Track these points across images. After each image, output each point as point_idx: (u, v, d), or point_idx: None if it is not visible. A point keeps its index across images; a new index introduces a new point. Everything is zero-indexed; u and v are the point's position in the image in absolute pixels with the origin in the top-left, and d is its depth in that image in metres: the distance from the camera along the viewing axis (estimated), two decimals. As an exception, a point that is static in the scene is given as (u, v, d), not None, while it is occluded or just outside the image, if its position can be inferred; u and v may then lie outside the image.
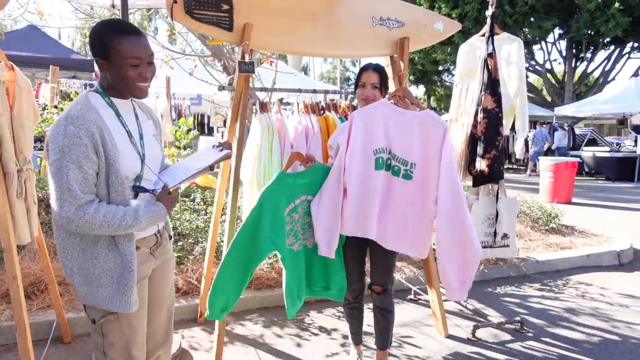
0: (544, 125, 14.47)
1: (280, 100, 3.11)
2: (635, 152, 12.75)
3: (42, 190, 4.54)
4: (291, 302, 2.33)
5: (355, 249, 2.46)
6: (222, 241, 3.63)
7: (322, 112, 3.00)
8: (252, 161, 2.86)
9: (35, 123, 2.51)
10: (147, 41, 1.56)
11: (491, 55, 3.17)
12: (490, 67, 3.17)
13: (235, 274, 2.27)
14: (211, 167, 1.83)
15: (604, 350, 2.95)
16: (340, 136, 2.44)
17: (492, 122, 3.16)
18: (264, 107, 2.86)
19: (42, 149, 5.48)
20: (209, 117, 13.53)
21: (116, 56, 1.49)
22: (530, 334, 3.16)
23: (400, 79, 3.13)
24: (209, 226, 4.13)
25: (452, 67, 22.25)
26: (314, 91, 3.10)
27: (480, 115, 3.18)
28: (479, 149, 3.18)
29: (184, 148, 4.84)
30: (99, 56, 1.51)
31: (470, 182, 3.27)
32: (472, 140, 3.24)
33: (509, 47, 3.56)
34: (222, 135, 12.51)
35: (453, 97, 3.71)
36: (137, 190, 1.58)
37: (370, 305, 2.57)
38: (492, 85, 3.17)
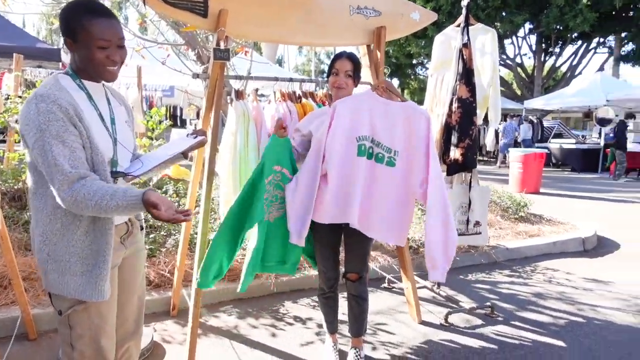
0: (514, 118, 14.80)
1: (256, 91, 3.07)
2: (599, 144, 13.20)
3: (4, 183, 4.38)
4: (251, 273, 2.45)
5: (331, 236, 2.46)
6: (196, 233, 3.59)
7: (299, 100, 2.98)
8: (229, 153, 2.81)
9: (-3, 111, 2.41)
10: (119, 24, 1.52)
11: (466, 45, 3.22)
12: (465, 57, 3.21)
13: (230, 238, 2.39)
14: (185, 155, 1.79)
15: (570, 332, 3.06)
16: (313, 122, 2.44)
17: (467, 112, 3.21)
18: (239, 94, 2.81)
19: (4, 141, 5.28)
20: (181, 109, 13.26)
21: (85, 37, 1.45)
22: (500, 319, 3.24)
23: (377, 68, 3.13)
24: (182, 218, 4.08)
25: (426, 61, 22.47)
26: (291, 80, 3.07)
27: (454, 105, 3.23)
28: (453, 138, 3.23)
29: (156, 139, 4.74)
30: (68, 36, 1.47)
31: (444, 171, 3.31)
32: (447, 130, 3.29)
33: (484, 38, 3.62)
34: (195, 128, 12.25)
35: (428, 87, 3.75)
36: (116, 175, 1.55)
37: (345, 294, 2.59)
38: (466, 75, 3.21)
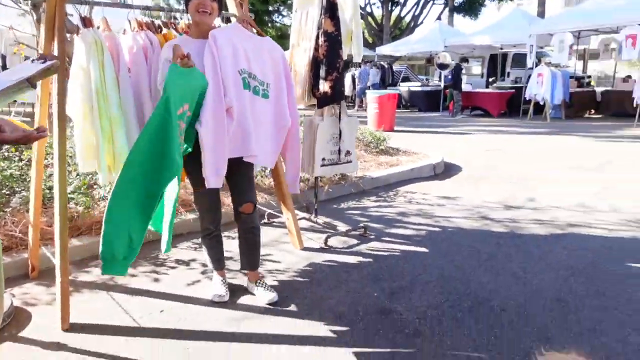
0: (367, 64, 15.68)
1: (106, 20, 2.70)
2: (440, 86, 14.77)
3: None
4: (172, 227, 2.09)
5: None
6: (49, 188, 3.18)
7: (158, 30, 2.71)
8: (81, 92, 2.46)
9: None
10: None
11: (329, -22, 3.23)
12: (328, -10, 3.23)
13: (139, 196, 1.94)
14: (32, 83, 1.48)
15: (429, 239, 3.49)
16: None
17: (333, 45, 3.27)
18: (86, 22, 2.45)
19: None
20: (4, 57, 11.16)
21: None
22: (372, 237, 3.55)
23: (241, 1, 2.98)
24: (25, 174, 3.56)
25: (281, 7, 22.25)
26: (147, 8, 2.77)
27: (321, 39, 3.26)
28: (322, 72, 3.29)
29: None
30: None
31: (315, 104, 3.39)
32: (315, 64, 3.33)
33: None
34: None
35: (293, 23, 3.71)
36: None
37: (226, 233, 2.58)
38: (331, 9, 3.25)
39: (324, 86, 3.30)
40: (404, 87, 15.33)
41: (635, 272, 2.90)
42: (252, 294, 2.62)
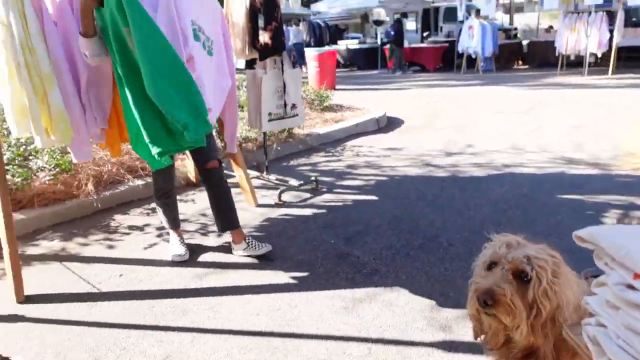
0: (303, 22, 15.42)
1: None
2: (377, 43, 14.87)
3: None
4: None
5: None
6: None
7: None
8: (2, 47, 2.27)
9: None
10: None
11: None
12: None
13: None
14: None
15: (378, 188, 3.64)
16: None
17: (269, -7, 3.21)
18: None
19: None
20: None
21: None
22: (324, 189, 3.64)
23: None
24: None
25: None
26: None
27: (257, -12, 3.19)
28: (260, 22, 3.24)
29: None
30: None
31: (256, 57, 3.34)
32: (253, 14, 3.26)
33: None
34: None
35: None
36: None
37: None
38: None
39: (264, 37, 3.25)
40: (341, 46, 15.28)
41: (562, 201, 3.21)
42: (248, 257, 2.55)
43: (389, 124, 6.11)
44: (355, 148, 4.94)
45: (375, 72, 13.91)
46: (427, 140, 5.08)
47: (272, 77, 3.38)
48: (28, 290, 2.22)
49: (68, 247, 2.76)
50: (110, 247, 2.75)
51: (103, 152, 3.54)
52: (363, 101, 7.53)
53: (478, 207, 3.15)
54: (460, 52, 12.05)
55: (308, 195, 3.54)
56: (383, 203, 3.32)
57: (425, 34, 16.24)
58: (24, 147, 3.38)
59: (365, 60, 14.74)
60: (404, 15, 14.28)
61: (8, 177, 3.03)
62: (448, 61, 13.27)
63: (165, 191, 2.52)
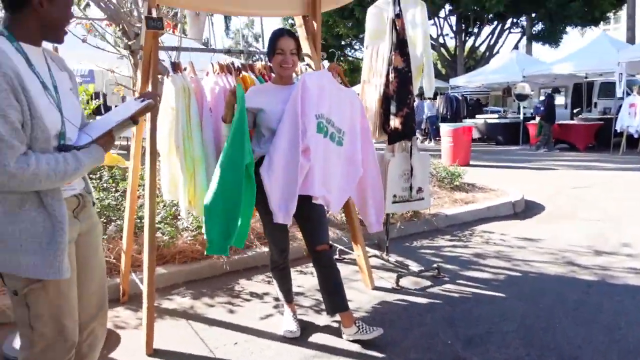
0: (441, 96, 15.51)
1: (192, 64, 2.95)
2: (519, 118, 14.17)
3: None
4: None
5: None
6: (140, 218, 3.44)
7: (238, 72, 2.91)
8: (167, 126, 2.69)
9: None
10: None
11: (399, 15, 3.30)
12: (398, 27, 3.29)
13: (224, 195, 2.26)
14: (134, 120, 1.65)
15: (508, 284, 3.31)
16: (261, 98, 2.42)
17: (403, 81, 3.30)
18: (176, 67, 2.70)
19: None
20: (104, 95, 12.38)
21: None
22: (446, 278, 3.43)
23: (314, 39, 3.13)
24: (121, 204, 3.88)
25: (354, 42, 22.79)
26: (229, 51, 3.00)
27: (391, 75, 3.31)
28: (392, 108, 3.32)
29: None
30: None
31: (386, 140, 3.40)
32: (385, 100, 3.37)
33: (414, 10, 3.71)
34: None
35: (364, 59, 3.80)
36: (64, 149, 1.43)
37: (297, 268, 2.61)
38: (400, 45, 3.30)
39: (395, 122, 3.31)
40: (479, 120, 14.89)
41: None
42: (357, 341, 2.49)
43: (526, 209, 5.63)
44: (486, 234, 4.62)
45: (515, 148, 13.16)
46: (572, 233, 4.53)
47: (399, 160, 3.40)
48: (156, 344, 2.43)
49: (196, 305, 2.99)
50: (231, 311, 2.91)
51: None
52: (499, 181, 7.11)
53: (633, 326, 2.65)
54: (618, 130, 10.84)
55: (428, 282, 3.36)
56: (512, 304, 2.99)
57: (575, 111, 15.03)
58: (175, 207, 3.84)
59: (506, 135, 14.08)
60: (556, 90, 13.50)
61: (158, 234, 3.47)
62: (602, 140, 11.98)
63: (278, 264, 2.61)
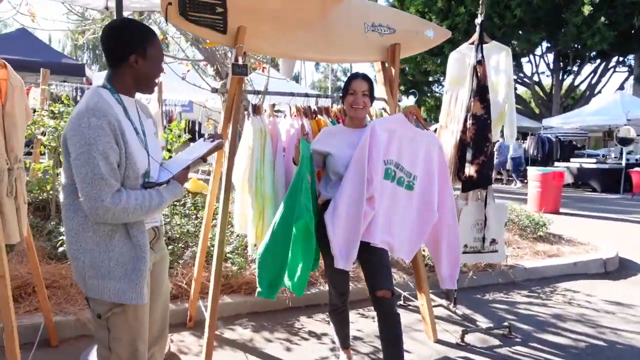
0: (531, 137, 14.70)
1: (273, 106, 3.12)
2: (620, 164, 12.97)
3: (30, 193, 4.50)
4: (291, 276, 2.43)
5: None
6: (213, 245, 3.63)
7: (314, 115, 3.02)
8: (244, 163, 2.86)
9: (27, 122, 2.50)
10: None
11: (480, 62, 3.24)
12: (479, 74, 3.23)
13: (284, 241, 2.34)
14: (204, 159, 1.85)
15: (590, 356, 2.99)
16: (330, 141, 2.48)
17: (481, 128, 3.21)
18: (256, 109, 2.87)
19: (30, 153, 5.43)
20: (199, 124, 13.49)
21: (156, 52, 1.60)
22: (518, 339, 3.18)
23: (391, 85, 3.17)
24: (199, 231, 4.12)
25: (442, 78, 22.46)
26: (306, 95, 3.12)
27: (469, 122, 3.23)
28: (468, 155, 3.23)
29: (176, 152, 4.83)
30: (137, 53, 1.58)
31: (459, 187, 3.30)
32: (462, 146, 3.29)
33: (498, 56, 3.62)
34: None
35: (443, 104, 3.76)
36: (149, 185, 1.64)
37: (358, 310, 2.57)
38: (481, 92, 3.22)
39: (470, 170, 3.21)
40: (574, 164, 13.85)
41: None
42: None
43: (620, 269, 5.08)
44: (569, 293, 4.23)
45: (614, 197, 12.00)
46: (674, 302, 4.01)
47: (473, 209, 3.27)
48: (214, 374, 2.52)
49: (255, 338, 3.06)
50: (288, 349, 2.94)
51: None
52: (590, 233, 6.52)
53: None
54: None
55: (497, 342, 3.14)
56: (592, 378, 2.70)
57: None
58: (247, 238, 4.01)
59: (603, 182, 12.91)
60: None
61: (228, 264, 3.63)
62: None
63: (336, 307, 2.59)
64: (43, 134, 4.46)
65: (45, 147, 4.61)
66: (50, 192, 4.54)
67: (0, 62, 2.25)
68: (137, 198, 1.52)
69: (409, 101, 24.64)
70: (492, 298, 4.04)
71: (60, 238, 3.69)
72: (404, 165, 2.48)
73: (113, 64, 1.60)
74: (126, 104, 1.62)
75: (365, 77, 2.49)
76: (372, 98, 2.53)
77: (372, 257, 2.45)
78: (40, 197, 4.64)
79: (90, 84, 11.12)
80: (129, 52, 1.56)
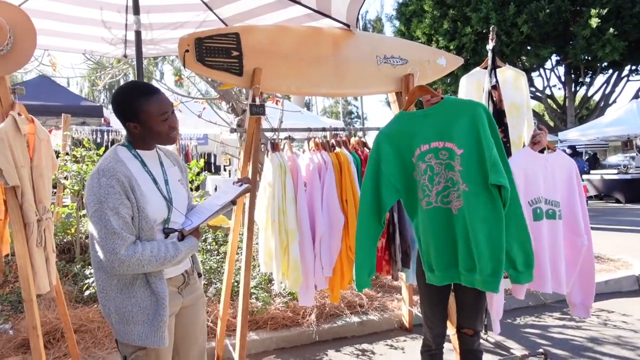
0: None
1: (289, 137, 3.15)
2: (643, 173, 12.70)
3: (54, 236, 4.58)
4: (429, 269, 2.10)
5: (442, 292, 2.27)
6: (237, 282, 3.63)
7: (332, 148, 3.04)
8: (266, 202, 2.88)
9: (53, 173, 2.57)
10: (165, 95, 1.71)
11: (495, 87, 3.24)
12: (494, 98, 3.23)
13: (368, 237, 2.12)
14: (233, 202, 1.87)
15: (633, 381, 2.87)
16: None
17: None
18: (275, 146, 2.90)
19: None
20: (215, 156, 13.70)
21: (147, 117, 1.64)
22: (555, 366, 3.08)
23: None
24: (221, 267, 4.13)
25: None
26: (323, 129, 3.15)
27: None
28: (490, 179, 3.19)
29: (196, 189, 4.89)
30: (132, 120, 1.65)
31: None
32: None
33: (513, 81, 3.63)
34: (230, 174, 12.65)
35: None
36: (168, 231, 1.69)
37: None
38: (497, 116, 3.20)
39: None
40: (595, 176, 13.61)
41: None
42: None
43: (655, 285, 4.91)
44: (603, 314, 4.09)
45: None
46: None
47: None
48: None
49: (285, 377, 3.01)
50: (319, 386, 2.89)
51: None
52: (619, 248, 6.33)
53: None
54: None
55: (533, 370, 3.04)
56: (637, 406, 2.58)
57: None
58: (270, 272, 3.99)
59: (628, 193, 12.63)
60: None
61: (252, 300, 3.61)
62: None
63: (429, 349, 2.35)
64: (66, 178, 4.57)
65: (68, 191, 4.71)
66: (74, 234, 4.62)
67: (27, 117, 2.33)
68: (152, 250, 1.57)
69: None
70: (524, 322, 3.92)
71: (86, 281, 3.73)
72: (549, 197, 2.43)
73: (124, 126, 1.71)
74: (144, 157, 1.71)
75: None
76: None
77: (465, 292, 2.23)
78: (64, 240, 4.72)
79: (109, 124, 11.42)
80: (125, 121, 1.67)
